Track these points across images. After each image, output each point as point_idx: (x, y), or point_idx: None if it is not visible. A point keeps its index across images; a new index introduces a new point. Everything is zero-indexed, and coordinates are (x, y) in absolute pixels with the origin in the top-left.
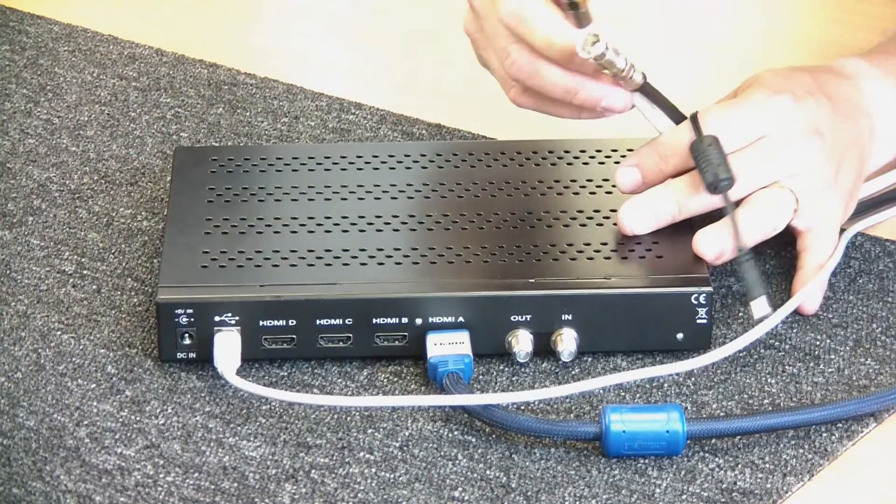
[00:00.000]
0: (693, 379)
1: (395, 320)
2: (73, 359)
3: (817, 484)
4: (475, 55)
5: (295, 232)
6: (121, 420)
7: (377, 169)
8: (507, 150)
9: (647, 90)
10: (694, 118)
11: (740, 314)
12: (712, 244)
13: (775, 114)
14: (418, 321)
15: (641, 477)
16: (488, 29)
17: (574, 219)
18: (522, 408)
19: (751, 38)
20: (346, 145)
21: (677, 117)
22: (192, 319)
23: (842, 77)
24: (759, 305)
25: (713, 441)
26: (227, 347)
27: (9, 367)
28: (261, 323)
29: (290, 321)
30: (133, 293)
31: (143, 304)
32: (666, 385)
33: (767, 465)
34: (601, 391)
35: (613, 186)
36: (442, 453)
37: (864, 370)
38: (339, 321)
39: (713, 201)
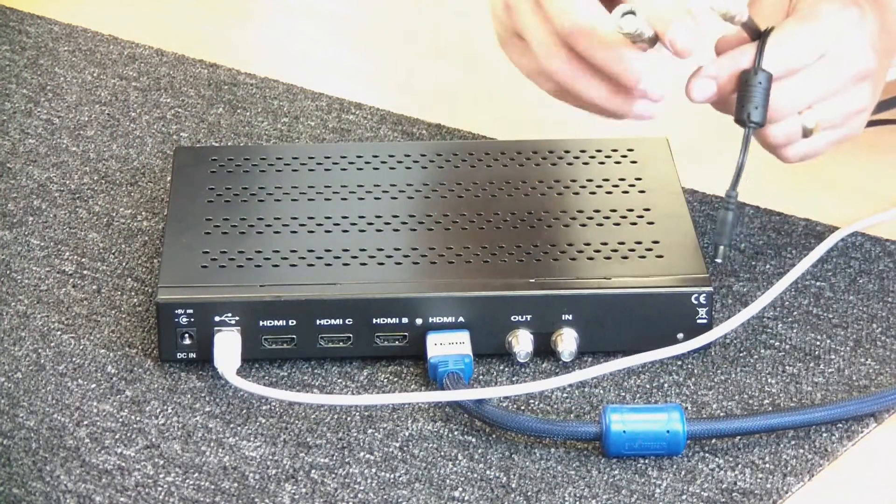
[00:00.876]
0: (693, 379)
1: (395, 320)
2: (73, 359)
3: (817, 484)
4: (500, 35)
5: (295, 232)
6: (121, 420)
7: (377, 169)
8: (507, 150)
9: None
10: (763, 42)
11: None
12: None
13: (841, 30)
14: (418, 321)
15: (641, 477)
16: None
17: (574, 219)
18: (522, 408)
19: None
20: (346, 145)
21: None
22: (192, 319)
23: None
24: (720, 252)
25: (713, 441)
26: (228, 347)
27: (9, 367)
28: (261, 323)
29: (290, 321)
30: (133, 293)
31: (143, 304)
32: (666, 385)
33: (767, 465)
34: (601, 391)
35: (614, 186)
36: (442, 453)
37: (864, 370)
38: (339, 321)
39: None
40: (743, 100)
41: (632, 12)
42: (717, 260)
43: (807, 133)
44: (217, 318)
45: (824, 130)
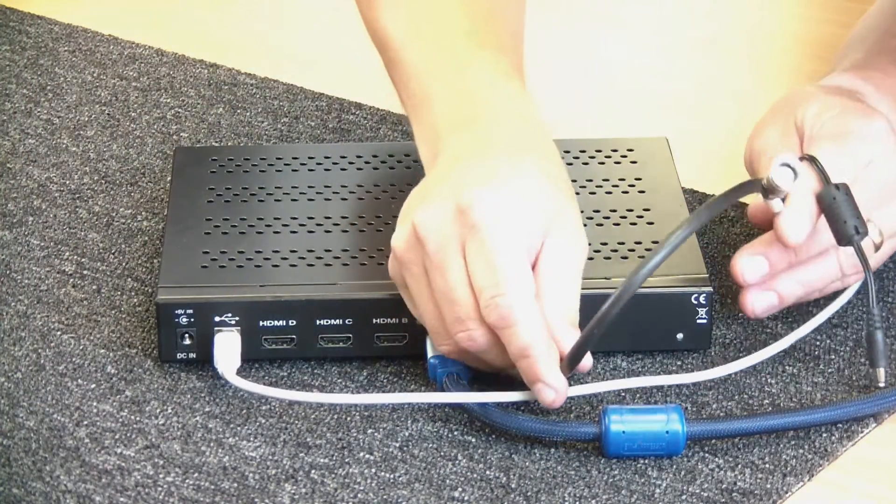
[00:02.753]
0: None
1: (395, 320)
2: (73, 359)
3: (817, 484)
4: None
5: (295, 232)
6: (121, 420)
7: (377, 169)
8: None
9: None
10: (818, 163)
11: (740, 314)
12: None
13: (878, 140)
14: (418, 321)
15: (641, 477)
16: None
17: None
18: (522, 408)
19: (750, 37)
20: (346, 145)
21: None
22: (192, 320)
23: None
24: (880, 375)
25: (713, 441)
26: (228, 348)
27: (9, 367)
28: (261, 323)
29: (290, 321)
30: (133, 293)
31: (143, 304)
32: (666, 385)
33: (767, 466)
34: (601, 391)
35: (614, 186)
36: (442, 453)
37: (864, 370)
38: (339, 321)
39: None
40: (837, 218)
41: (792, 169)
42: (879, 385)
43: (878, 246)
44: (217, 319)
45: (889, 238)
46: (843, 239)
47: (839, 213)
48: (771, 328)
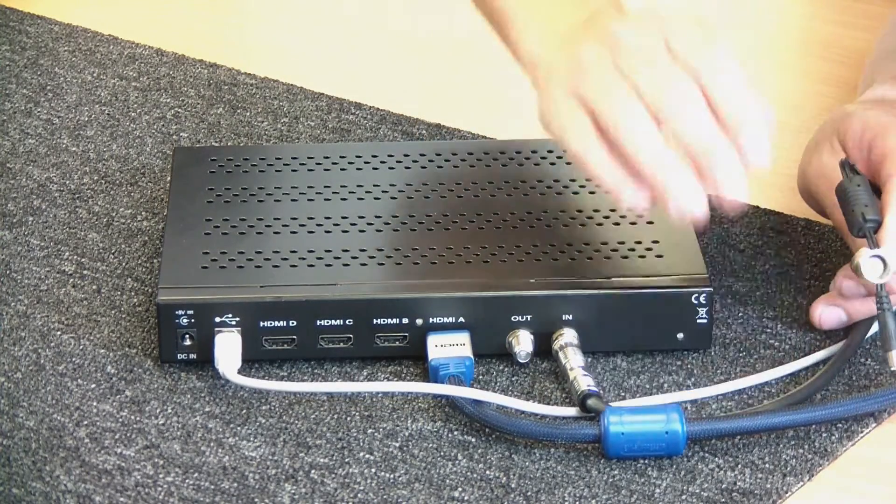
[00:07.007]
0: (693, 379)
1: (395, 321)
2: (73, 359)
3: (817, 484)
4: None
5: (295, 232)
6: (121, 420)
7: (377, 169)
8: (506, 150)
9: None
10: (843, 163)
11: (740, 314)
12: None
13: None
14: (419, 321)
15: (641, 477)
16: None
17: (574, 219)
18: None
19: (753, 36)
20: (346, 145)
21: None
22: (193, 320)
23: None
24: (892, 358)
25: (713, 441)
26: (228, 348)
27: (9, 367)
28: (261, 324)
29: (290, 322)
30: (133, 293)
31: (143, 305)
32: (666, 385)
33: (767, 465)
34: (601, 391)
35: None
36: (442, 453)
37: (864, 370)
38: (339, 322)
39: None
40: (848, 206)
41: (883, 261)
42: (892, 368)
43: None
44: (217, 319)
45: None
46: (856, 226)
47: (856, 200)
48: (771, 328)
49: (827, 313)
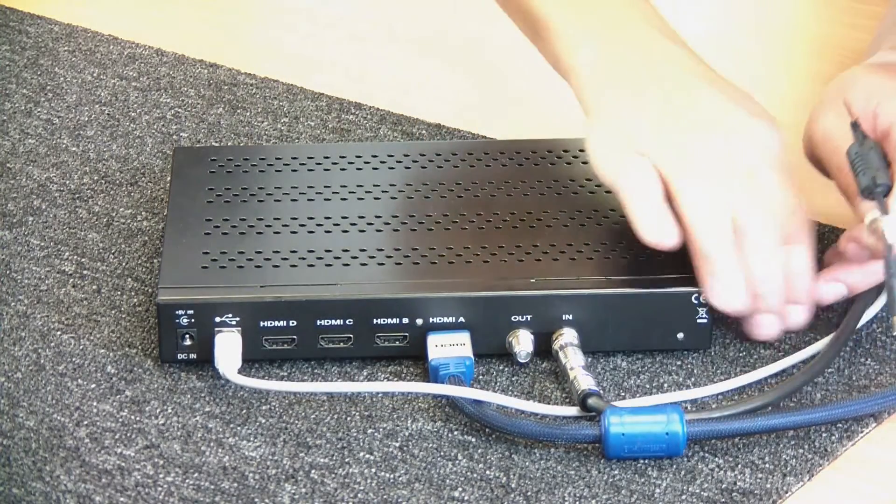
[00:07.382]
0: (693, 379)
1: (395, 320)
2: (73, 359)
3: (817, 484)
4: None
5: (295, 232)
6: (121, 420)
7: (377, 169)
8: (506, 150)
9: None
10: (854, 125)
11: None
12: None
13: None
14: (419, 321)
15: (641, 477)
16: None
17: (574, 219)
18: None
19: (750, 37)
20: (346, 145)
21: None
22: (193, 320)
23: None
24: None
25: (713, 441)
26: (228, 348)
27: (9, 367)
28: (261, 324)
29: (290, 322)
30: (133, 293)
31: (143, 304)
32: (666, 385)
33: (767, 465)
34: (601, 391)
35: None
36: (442, 453)
37: (864, 370)
38: (339, 322)
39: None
40: (860, 170)
41: None
42: (894, 333)
43: None
44: (218, 319)
45: None
46: (866, 190)
47: (869, 163)
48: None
49: (827, 287)
